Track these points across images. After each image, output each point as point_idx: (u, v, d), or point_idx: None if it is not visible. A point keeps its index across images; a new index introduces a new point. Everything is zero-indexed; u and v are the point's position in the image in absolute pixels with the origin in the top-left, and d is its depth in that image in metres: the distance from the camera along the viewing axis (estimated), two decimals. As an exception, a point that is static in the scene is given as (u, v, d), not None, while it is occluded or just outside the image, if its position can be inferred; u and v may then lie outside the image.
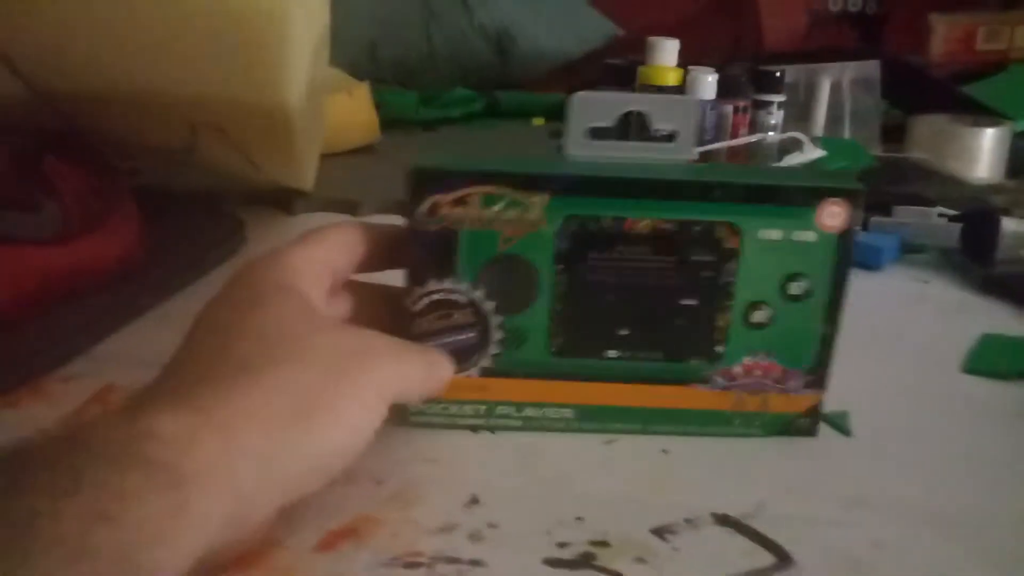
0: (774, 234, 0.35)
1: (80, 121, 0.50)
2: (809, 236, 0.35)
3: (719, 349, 0.36)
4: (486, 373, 0.36)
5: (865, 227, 0.62)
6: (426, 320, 0.35)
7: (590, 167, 0.36)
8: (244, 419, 0.26)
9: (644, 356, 0.37)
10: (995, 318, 0.51)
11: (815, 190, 0.35)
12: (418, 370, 0.33)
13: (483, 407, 0.37)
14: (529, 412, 0.37)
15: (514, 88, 1.03)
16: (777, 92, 0.77)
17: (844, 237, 0.35)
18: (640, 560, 0.30)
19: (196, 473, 0.24)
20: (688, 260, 0.35)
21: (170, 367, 0.30)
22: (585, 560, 0.30)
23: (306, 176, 0.58)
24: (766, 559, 0.30)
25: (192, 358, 0.29)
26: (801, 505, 0.33)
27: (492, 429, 0.37)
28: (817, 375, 0.37)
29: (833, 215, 0.35)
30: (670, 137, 0.37)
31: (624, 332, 0.36)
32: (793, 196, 0.35)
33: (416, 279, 0.35)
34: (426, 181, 0.34)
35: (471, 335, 0.36)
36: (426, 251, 0.35)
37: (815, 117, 0.83)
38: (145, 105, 0.43)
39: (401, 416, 0.37)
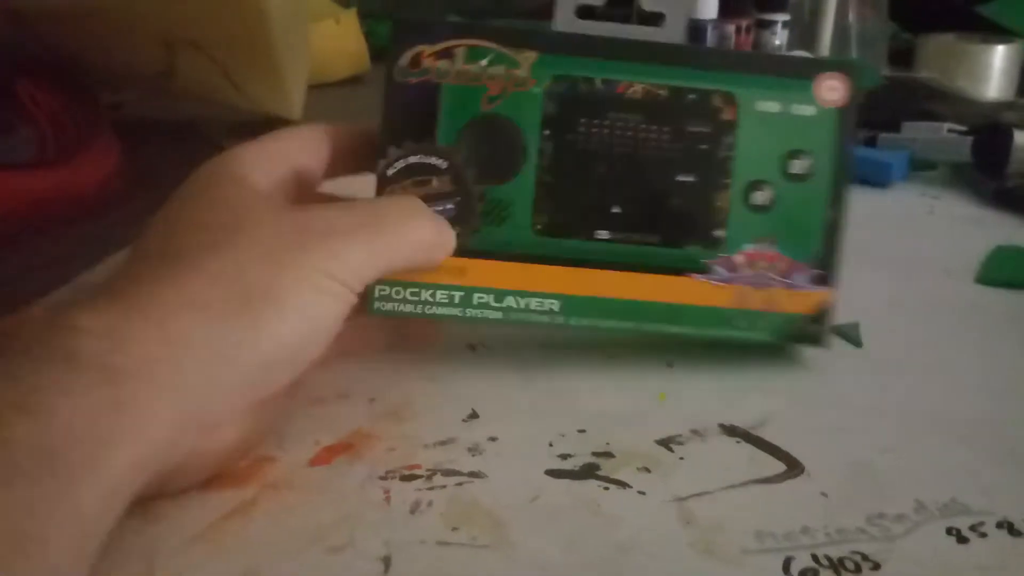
0: (772, 106, 0.34)
1: (56, 46, 0.48)
2: (808, 110, 0.34)
3: (718, 233, 0.34)
4: (463, 252, 0.33)
5: (874, 143, 0.60)
6: (400, 186, 0.32)
7: (581, 29, 0.34)
8: (179, 309, 0.24)
9: (638, 238, 0.34)
10: (1008, 230, 0.50)
11: (811, 62, 0.34)
12: (393, 239, 0.29)
13: (459, 294, 0.33)
14: (510, 302, 0.33)
15: (509, 16, 1.00)
16: (781, 11, 0.74)
17: (844, 113, 0.34)
18: (645, 470, 0.29)
19: (134, 368, 0.22)
20: (683, 130, 0.34)
21: (113, 274, 0.27)
22: (589, 470, 0.29)
23: (292, 104, 0.56)
24: (775, 467, 0.29)
25: (131, 259, 0.27)
26: (810, 415, 0.32)
27: (468, 320, 0.33)
28: (825, 269, 0.35)
29: (832, 89, 0.34)
30: (660, 20, 0.36)
31: (616, 210, 0.34)
32: (789, 67, 0.34)
33: (391, 138, 0.32)
34: (410, 30, 0.32)
35: (449, 206, 0.32)
36: (405, 106, 0.32)
37: (821, 37, 0.80)
38: (117, 21, 0.41)
39: (368, 303, 0.33)
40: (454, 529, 0.26)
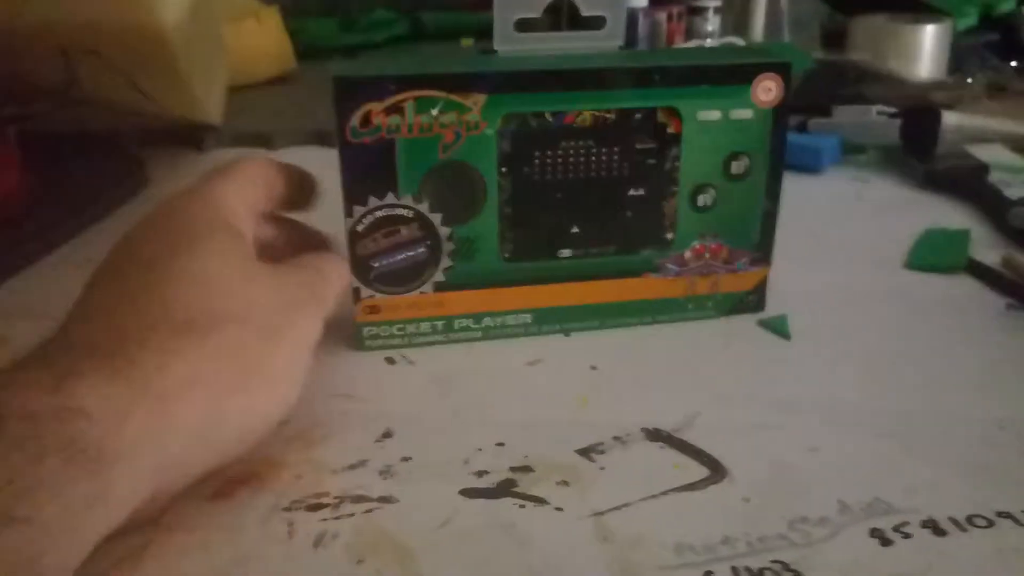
0: (713, 114, 0.35)
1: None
2: (746, 113, 0.35)
3: (669, 236, 0.36)
4: (440, 288, 0.35)
5: (804, 129, 0.60)
6: (371, 240, 0.33)
7: (523, 62, 0.34)
8: (183, 389, 0.24)
9: (597, 251, 0.36)
10: (937, 213, 0.50)
11: (748, 67, 0.35)
12: (333, 288, 0.32)
13: (441, 322, 0.35)
14: (488, 322, 0.36)
15: (445, 7, 0.98)
16: (712, -3, 0.74)
17: (779, 111, 0.35)
18: (564, 483, 0.28)
19: (121, 453, 0.22)
20: (631, 149, 0.35)
21: (89, 306, 0.26)
22: (505, 487, 0.27)
23: (209, 108, 0.54)
24: (698, 472, 0.28)
25: (122, 303, 0.26)
26: (736, 413, 0.32)
27: (452, 343, 0.36)
28: (763, 251, 0.37)
29: (767, 90, 0.35)
30: (599, 25, 0.36)
31: (575, 230, 0.36)
32: (728, 74, 0.35)
33: (355, 198, 0.33)
34: (354, 90, 0.32)
35: (420, 250, 0.34)
36: (363, 166, 0.33)
37: (753, 22, 0.80)
38: (9, 31, 0.39)
39: (358, 341, 0.35)
40: (359, 562, 0.24)
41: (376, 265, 0.34)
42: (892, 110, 0.59)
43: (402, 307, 0.35)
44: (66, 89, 0.45)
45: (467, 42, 0.92)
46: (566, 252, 0.36)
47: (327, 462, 0.29)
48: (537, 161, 0.34)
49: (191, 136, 0.59)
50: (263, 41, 0.73)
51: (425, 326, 0.35)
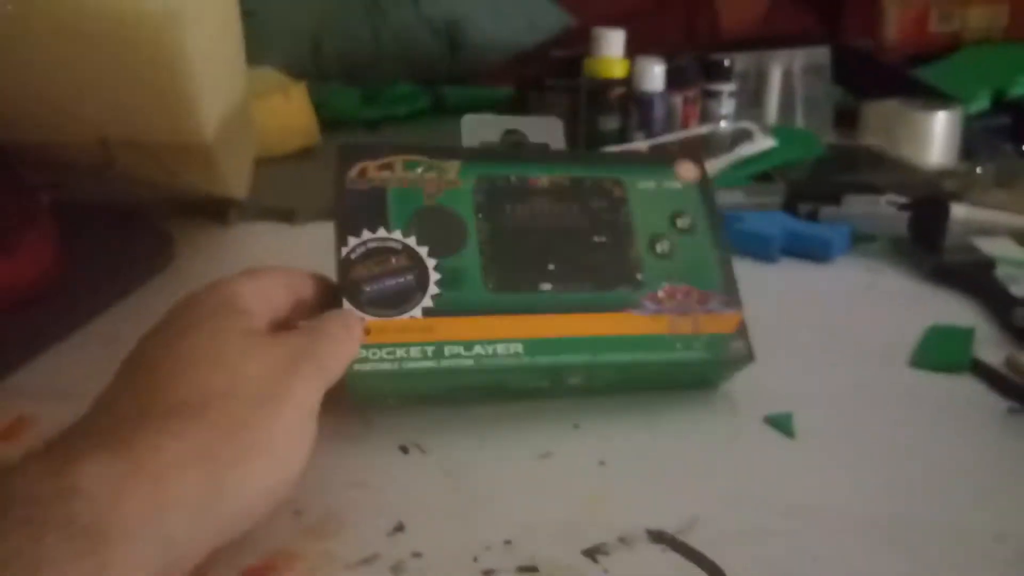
0: (649, 184, 0.42)
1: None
2: (676, 185, 0.42)
3: (639, 276, 0.40)
4: (429, 313, 0.36)
5: (815, 218, 0.61)
6: (364, 267, 0.36)
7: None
8: (177, 467, 0.25)
9: (575, 287, 0.39)
10: (944, 308, 0.51)
11: (666, 155, 0.44)
12: (337, 347, 0.33)
13: (431, 348, 0.36)
14: (479, 350, 0.37)
15: (465, 82, 1.01)
16: (727, 81, 0.76)
17: (702, 183, 0.43)
18: (569, 586, 0.28)
19: (120, 531, 0.23)
20: (588, 206, 0.41)
21: (102, 400, 0.28)
22: (512, 588, 0.28)
23: (237, 184, 0.56)
24: (700, 578, 0.29)
25: (125, 392, 0.28)
26: (739, 516, 0.32)
27: (444, 370, 0.36)
28: (729, 294, 0.41)
29: (688, 169, 0.43)
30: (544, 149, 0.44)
31: (552, 267, 0.39)
32: (652, 159, 0.44)
33: (350, 229, 0.37)
34: (354, 152, 0.39)
35: (409, 277, 0.37)
36: (358, 206, 0.37)
37: (767, 105, 0.82)
38: (51, 121, 0.41)
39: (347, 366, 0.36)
40: (368, 662, 0.25)
41: (367, 289, 0.36)
42: (902, 200, 0.60)
43: (391, 331, 0.36)
44: (103, 169, 0.47)
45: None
46: (546, 286, 0.38)
47: (340, 555, 0.30)
48: (508, 211, 0.40)
49: (216, 210, 0.61)
50: (290, 116, 0.76)
51: (415, 351, 0.36)
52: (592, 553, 0.30)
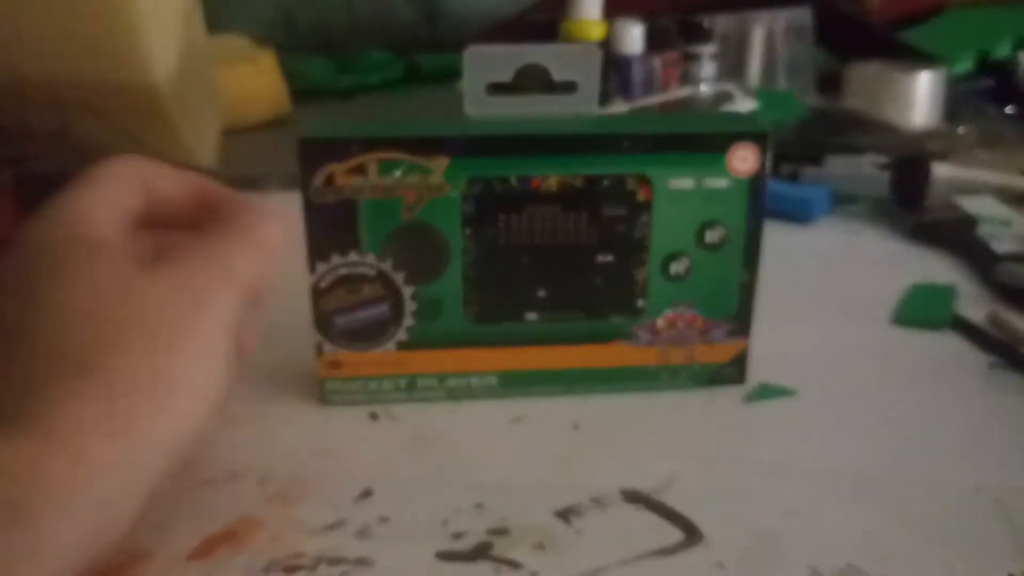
0: (685, 183, 0.34)
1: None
2: (721, 183, 0.34)
3: (640, 304, 0.36)
4: (403, 347, 0.35)
5: (796, 178, 0.60)
6: (333, 296, 0.34)
7: (490, 125, 0.34)
8: (89, 430, 0.24)
9: (564, 316, 0.35)
10: (925, 267, 0.50)
11: (723, 135, 0.34)
12: (236, 255, 0.28)
13: (404, 381, 0.35)
14: (452, 383, 0.36)
15: (442, 51, 0.99)
16: (707, 43, 0.75)
17: (755, 181, 0.34)
18: (539, 547, 0.28)
19: (48, 505, 0.22)
20: (600, 216, 0.34)
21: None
22: (481, 551, 0.28)
23: (201, 153, 0.55)
24: (674, 535, 0.28)
25: (10, 364, 0.25)
26: (716, 475, 0.32)
27: (417, 402, 0.36)
28: (740, 323, 0.36)
29: (743, 159, 0.34)
30: (572, 88, 0.35)
31: (542, 294, 0.35)
32: (702, 143, 0.34)
33: (318, 254, 0.33)
34: (318, 151, 0.32)
35: (383, 308, 0.34)
36: (326, 225, 0.33)
37: (749, 67, 0.81)
38: (3, 85, 0.40)
39: (320, 395, 0.36)
40: (331, 627, 0.24)
41: (339, 321, 0.34)
42: (884, 161, 0.60)
43: (364, 364, 0.35)
44: (59, 137, 0.46)
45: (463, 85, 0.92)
46: (532, 316, 0.35)
47: (305, 521, 0.29)
48: (502, 225, 0.34)
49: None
50: (259, 84, 0.74)
51: (388, 384, 0.35)
52: (565, 514, 0.29)
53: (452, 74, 0.93)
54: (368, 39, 0.96)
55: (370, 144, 0.32)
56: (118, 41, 0.41)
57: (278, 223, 0.30)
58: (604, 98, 0.71)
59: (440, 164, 0.33)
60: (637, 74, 0.71)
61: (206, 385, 0.27)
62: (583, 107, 0.35)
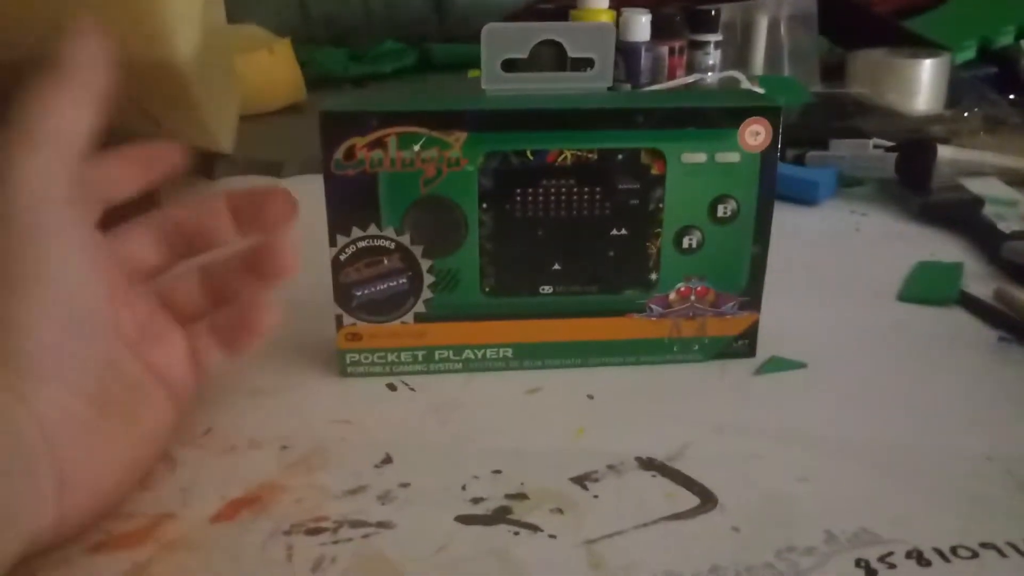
0: (698, 157, 0.35)
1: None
2: (733, 157, 0.35)
3: (653, 277, 0.36)
4: (421, 319, 0.36)
5: (802, 162, 0.61)
6: (353, 269, 0.34)
7: (507, 101, 0.35)
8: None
9: (579, 290, 0.36)
10: (932, 246, 0.51)
11: (736, 110, 0.34)
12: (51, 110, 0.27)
13: (421, 352, 0.36)
14: (468, 354, 0.36)
15: (450, 41, 0.99)
16: (713, 31, 0.75)
17: (767, 156, 0.35)
18: (558, 511, 0.28)
19: None
20: (614, 189, 0.35)
21: None
22: (500, 515, 0.28)
23: (221, 136, 0.55)
24: (690, 501, 0.29)
25: None
26: (729, 443, 0.32)
27: (433, 374, 0.36)
28: (751, 297, 0.37)
29: (755, 134, 0.35)
30: (588, 66, 0.36)
31: (556, 267, 0.36)
32: (715, 118, 0.34)
33: (339, 227, 0.34)
34: (339, 125, 0.33)
35: (402, 281, 0.35)
36: (347, 198, 0.34)
37: (754, 55, 0.82)
38: (16, 61, 0.40)
39: (340, 367, 0.36)
40: (356, 585, 0.25)
41: (358, 293, 0.35)
42: (889, 143, 0.60)
43: (383, 336, 0.36)
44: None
45: (475, 73, 0.93)
46: (547, 289, 0.36)
47: (328, 487, 0.29)
48: (518, 198, 0.35)
49: (203, 164, 0.60)
50: (275, 72, 0.75)
51: (406, 355, 0.36)
52: (582, 480, 0.30)
53: (462, 63, 0.94)
54: (381, 31, 0.96)
55: (390, 118, 0.33)
56: (142, 20, 0.42)
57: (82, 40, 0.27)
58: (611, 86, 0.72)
59: (459, 138, 0.33)
60: (644, 62, 0.71)
61: (66, 270, 0.25)
62: (598, 83, 0.36)
